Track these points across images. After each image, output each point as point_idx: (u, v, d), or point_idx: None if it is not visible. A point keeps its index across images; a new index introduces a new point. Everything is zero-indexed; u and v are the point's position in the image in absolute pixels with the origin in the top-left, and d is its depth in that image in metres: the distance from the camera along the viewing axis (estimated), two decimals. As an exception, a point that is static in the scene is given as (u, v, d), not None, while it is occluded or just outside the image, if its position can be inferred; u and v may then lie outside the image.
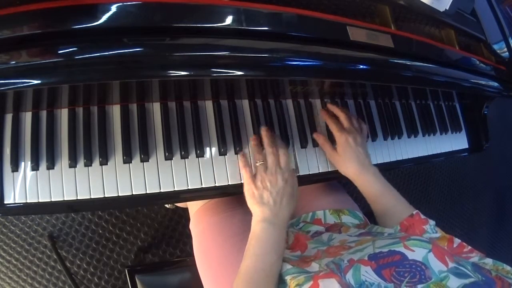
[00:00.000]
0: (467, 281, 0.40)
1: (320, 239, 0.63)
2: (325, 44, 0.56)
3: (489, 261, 0.48)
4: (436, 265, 0.42)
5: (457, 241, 0.52)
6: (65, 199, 0.55)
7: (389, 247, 0.46)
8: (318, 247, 0.58)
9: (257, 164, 0.61)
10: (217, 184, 0.63)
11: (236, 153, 0.65)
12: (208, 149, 0.63)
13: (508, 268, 0.46)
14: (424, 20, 0.73)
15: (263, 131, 0.64)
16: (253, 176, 0.60)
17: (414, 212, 0.61)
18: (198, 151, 0.62)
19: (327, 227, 0.70)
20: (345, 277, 0.43)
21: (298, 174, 0.69)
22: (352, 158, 0.67)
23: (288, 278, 0.49)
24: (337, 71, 0.59)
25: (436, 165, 2.03)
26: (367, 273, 0.42)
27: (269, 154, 0.61)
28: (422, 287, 0.40)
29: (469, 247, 0.51)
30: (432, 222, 0.59)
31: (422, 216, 0.60)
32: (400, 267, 0.42)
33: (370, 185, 0.67)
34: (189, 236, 0.74)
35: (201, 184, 0.62)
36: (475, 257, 0.50)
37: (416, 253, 0.44)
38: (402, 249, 0.44)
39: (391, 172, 1.83)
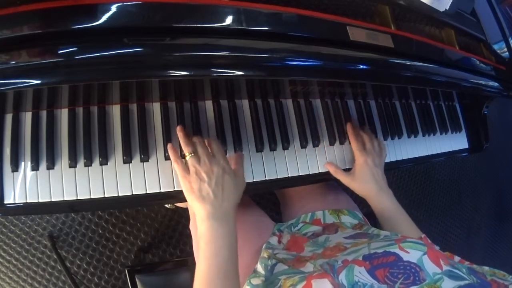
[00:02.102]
0: (461, 283, 0.40)
1: (316, 241, 0.63)
2: (325, 44, 0.56)
3: (486, 268, 0.48)
4: (430, 267, 0.42)
5: (457, 258, 0.52)
6: (65, 199, 0.55)
7: (384, 248, 0.45)
8: (315, 250, 0.58)
9: (187, 158, 0.56)
10: (217, 184, 0.62)
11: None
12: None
13: (505, 273, 0.46)
14: (424, 20, 0.73)
15: (179, 132, 0.59)
16: (187, 170, 0.56)
17: (422, 236, 0.61)
18: (198, 151, 0.62)
19: (324, 226, 0.70)
20: (338, 278, 0.42)
21: (298, 174, 0.69)
22: (370, 177, 0.68)
23: (282, 278, 0.49)
24: (337, 71, 0.59)
25: (436, 165, 2.03)
26: (361, 274, 0.42)
27: (198, 144, 0.57)
28: None
29: (468, 262, 0.51)
30: (436, 247, 0.59)
31: (429, 241, 0.60)
32: (394, 268, 0.42)
33: (384, 206, 0.67)
34: (189, 236, 0.74)
35: (201, 184, 0.62)
36: (473, 266, 0.50)
37: (411, 255, 0.44)
38: (397, 251, 0.44)
39: (391, 172, 1.83)
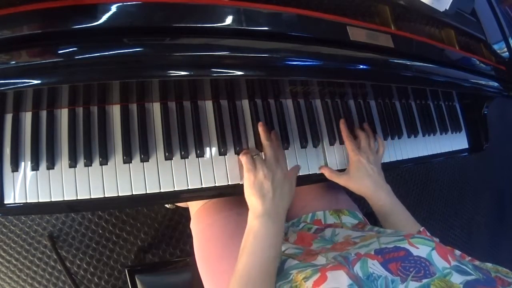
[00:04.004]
0: (469, 278, 0.41)
1: (323, 236, 0.63)
2: (325, 44, 0.56)
3: (489, 264, 0.49)
4: (439, 262, 0.43)
5: (457, 252, 0.53)
6: (65, 199, 0.55)
7: (394, 243, 0.47)
8: (323, 245, 0.59)
9: (254, 156, 0.61)
10: (217, 184, 0.63)
11: (236, 153, 0.65)
12: (208, 149, 0.63)
13: (508, 270, 0.47)
14: (424, 20, 0.73)
15: (260, 127, 0.64)
16: (254, 165, 0.59)
17: (421, 229, 0.62)
18: (198, 151, 0.62)
19: (326, 227, 0.70)
20: (353, 269, 0.43)
21: (298, 174, 0.69)
22: (365, 176, 0.68)
23: (294, 272, 0.49)
24: (337, 71, 0.59)
25: (436, 165, 2.03)
26: (375, 266, 0.43)
27: (267, 147, 0.62)
28: (427, 282, 0.41)
29: (470, 258, 0.52)
30: (436, 239, 0.59)
31: (428, 234, 0.61)
32: (406, 262, 0.43)
33: (383, 202, 0.67)
34: (189, 236, 0.75)
35: (201, 184, 0.62)
36: (476, 262, 0.50)
37: (420, 250, 0.45)
38: (407, 246, 0.46)
39: (391, 172, 1.83)
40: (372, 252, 0.46)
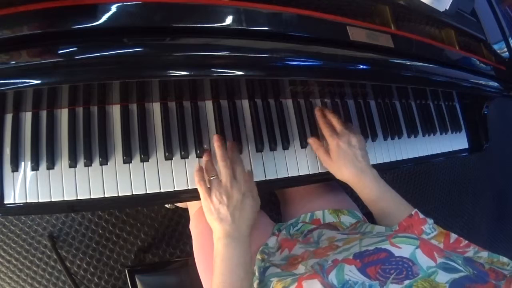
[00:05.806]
0: (456, 275, 0.40)
1: (309, 242, 0.63)
2: (325, 44, 0.56)
3: (484, 254, 0.47)
4: (424, 261, 0.42)
5: (453, 236, 0.52)
6: (65, 199, 0.55)
7: (375, 245, 0.45)
8: (306, 247, 0.58)
9: (210, 178, 0.58)
10: (217, 184, 0.62)
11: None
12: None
13: (505, 259, 0.46)
14: (424, 20, 0.73)
15: (215, 142, 0.60)
16: (209, 191, 0.57)
17: (413, 212, 0.60)
18: (198, 151, 0.62)
19: (325, 226, 0.70)
20: (327, 278, 0.43)
21: (298, 174, 0.69)
22: (346, 162, 0.65)
23: (274, 280, 0.50)
24: (337, 71, 0.59)
25: (436, 165, 2.03)
26: (351, 272, 0.42)
27: (222, 168, 0.58)
28: (409, 283, 0.39)
29: (466, 242, 0.51)
30: (430, 221, 0.59)
31: (421, 216, 0.59)
32: (386, 264, 0.42)
33: (369, 189, 0.64)
34: (189, 236, 0.75)
35: (201, 184, 0.62)
36: (470, 251, 0.49)
37: (403, 250, 0.43)
38: (388, 247, 0.44)
39: (391, 172, 1.83)
40: (351, 257, 0.45)
